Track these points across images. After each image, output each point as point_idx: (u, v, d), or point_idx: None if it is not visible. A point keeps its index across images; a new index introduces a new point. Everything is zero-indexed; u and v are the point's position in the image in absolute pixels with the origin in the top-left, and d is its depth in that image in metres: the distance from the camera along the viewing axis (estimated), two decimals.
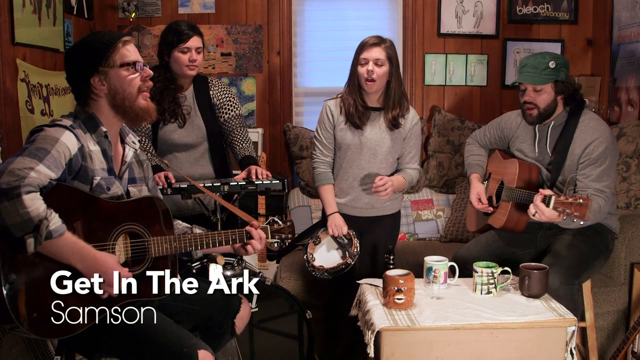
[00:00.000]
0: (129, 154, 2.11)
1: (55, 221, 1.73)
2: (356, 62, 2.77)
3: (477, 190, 2.94)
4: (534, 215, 2.42)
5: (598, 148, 2.62)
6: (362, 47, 2.75)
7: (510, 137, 2.95)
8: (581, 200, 2.27)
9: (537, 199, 2.40)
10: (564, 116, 2.74)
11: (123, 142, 2.11)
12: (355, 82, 2.79)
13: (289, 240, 2.33)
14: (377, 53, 2.72)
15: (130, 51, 1.98)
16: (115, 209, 1.95)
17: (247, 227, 2.20)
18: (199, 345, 1.96)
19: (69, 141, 1.85)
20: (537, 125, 2.80)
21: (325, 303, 3.07)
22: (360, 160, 2.85)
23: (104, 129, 1.98)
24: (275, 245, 2.32)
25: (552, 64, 2.64)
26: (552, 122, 2.75)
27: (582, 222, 2.30)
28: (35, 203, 1.68)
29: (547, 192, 2.40)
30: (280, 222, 2.32)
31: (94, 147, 1.96)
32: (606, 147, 2.63)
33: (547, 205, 2.36)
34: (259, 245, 2.19)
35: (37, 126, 1.91)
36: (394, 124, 2.81)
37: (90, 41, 1.98)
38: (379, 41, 2.74)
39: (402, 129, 2.86)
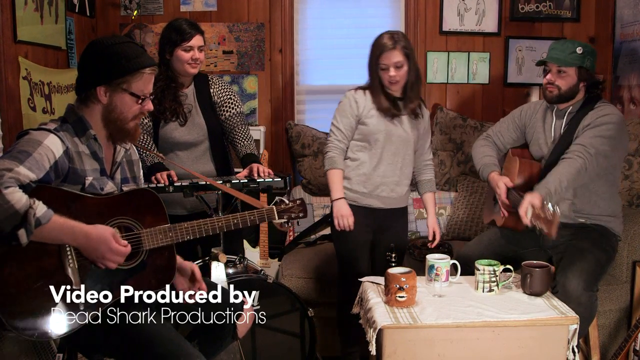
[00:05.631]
0: (120, 153, 2.11)
1: (40, 208, 1.73)
2: (376, 65, 2.78)
3: (506, 182, 2.80)
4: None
5: (606, 119, 2.64)
6: (381, 51, 2.75)
7: (528, 124, 2.94)
8: (549, 217, 2.24)
9: (520, 210, 2.41)
10: (580, 103, 2.76)
11: (114, 142, 2.10)
12: (377, 83, 2.81)
13: (300, 218, 2.31)
14: (396, 57, 2.74)
15: (147, 84, 1.99)
16: (103, 204, 1.94)
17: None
18: (195, 357, 1.94)
19: (52, 144, 1.86)
20: (554, 110, 2.80)
21: (337, 306, 3.03)
22: (391, 146, 2.84)
23: (93, 132, 1.99)
24: (285, 225, 2.30)
25: (579, 50, 2.68)
26: (570, 107, 2.76)
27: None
28: (15, 196, 1.69)
29: (526, 202, 2.39)
30: (287, 202, 2.30)
31: (83, 149, 1.96)
32: (614, 122, 2.64)
33: (526, 215, 2.38)
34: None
35: (23, 130, 1.92)
36: (415, 113, 2.88)
37: (119, 53, 1.94)
38: (395, 43, 2.74)
39: (422, 121, 2.94)
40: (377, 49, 2.77)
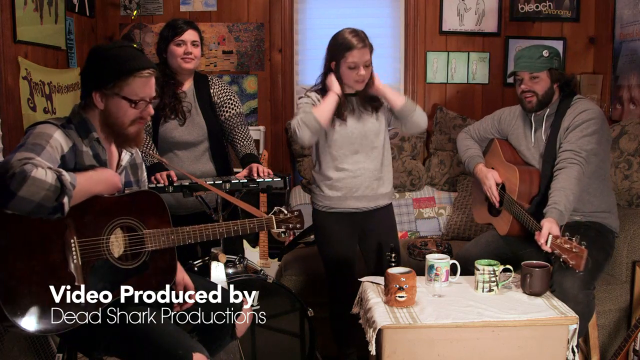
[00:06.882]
0: (125, 158, 2.12)
1: (63, 172, 1.77)
2: (341, 60, 2.68)
3: (495, 176, 2.89)
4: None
5: (584, 116, 2.66)
6: (349, 49, 2.65)
7: (508, 131, 2.95)
8: (576, 250, 2.23)
9: (540, 239, 2.38)
10: (557, 105, 2.77)
11: (117, 146, 2.10)
12: (337, 77, 2.72)
13: (298, 229, 2.34)
14: (367, 55, 2.68)
15: (142, 87, 1.97)
16: (108, 203, 1.95)
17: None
18: (194, 348, 1.95)
19: (61, 138, 1.90)
20: (532, 116, 2.80)
21: (330, 308, 3.03)
22: (352, 145, 2.78)
23: (96, 135, 2.00)
24: (282, 235, 2.33)
25: (545, 53, 2.70)
26: (548, 110, 2.77)
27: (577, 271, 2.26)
28: (43, 173, 1.72)
29: (546, 231, 2.37)
30: (285, 212, 2.34)
31: (86, 150, 1.98)
32: (593, 118, 2.65)
33: (546, 243, 2.36)
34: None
35: (33, 123, 1.96)
36: (372, 109, 2.80)
37: (111, 57, 1.96)
38: (364, 42, 2.67)
39: (382, 109, 2.83)
40: (344, 47, 2.67)
